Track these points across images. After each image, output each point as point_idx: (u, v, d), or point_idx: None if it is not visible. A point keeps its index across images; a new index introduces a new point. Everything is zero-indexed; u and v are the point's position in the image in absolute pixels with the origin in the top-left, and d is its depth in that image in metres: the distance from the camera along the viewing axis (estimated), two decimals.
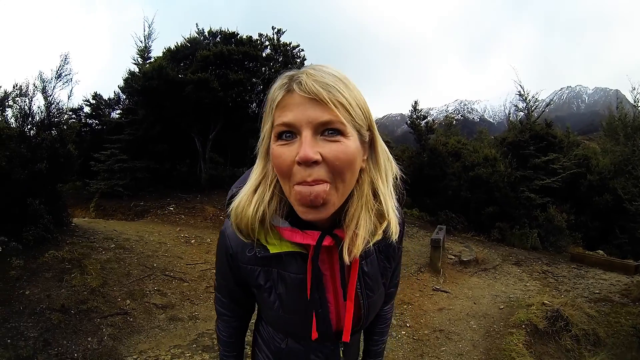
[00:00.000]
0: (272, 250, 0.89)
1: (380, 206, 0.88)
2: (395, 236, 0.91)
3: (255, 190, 0.87)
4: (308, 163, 0.74)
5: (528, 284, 6.11)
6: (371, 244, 0.87)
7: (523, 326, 4.23)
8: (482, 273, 6.63)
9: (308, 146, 0.74)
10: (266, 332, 1.16)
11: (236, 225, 0.89)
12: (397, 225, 0.92)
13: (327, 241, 0.87)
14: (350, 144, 0.78)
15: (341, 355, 1.10)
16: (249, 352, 1.30)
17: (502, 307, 5.04)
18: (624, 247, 9.23)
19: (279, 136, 0.79)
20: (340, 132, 0.77)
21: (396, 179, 0.94)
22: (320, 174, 0.76)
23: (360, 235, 0.84)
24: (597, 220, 10.15)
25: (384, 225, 0.89)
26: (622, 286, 5.76)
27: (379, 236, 0.88)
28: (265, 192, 0.87)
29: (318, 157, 0.74)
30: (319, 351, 1.08)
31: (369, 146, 0.88)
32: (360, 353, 1.36)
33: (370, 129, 0.86)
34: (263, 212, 0.86)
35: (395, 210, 0.91)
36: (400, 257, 1.17)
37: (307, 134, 0.75)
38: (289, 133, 0.78)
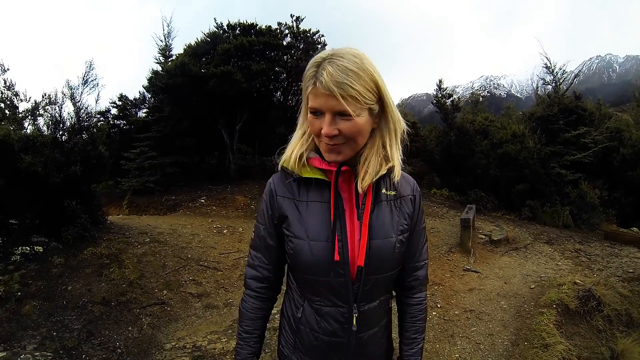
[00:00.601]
0: (305, 175, 1.15)
1: (387, 153, 1.15)
2: (397, 177, 1.17)
3: (302, 137, 1.19)
4: (329, 137, 1.03)
5: (560, 263, 6.01)
6: (379, 176, 1.12)
7: (554, 306, 4.17)
8: (512, 252, 6.57)
9: (328, 126, 1.03)
10: (288, 307, 1.29)
11: (286, 160, 1.17)
12: (400, 170, 1.17)
13: (344, 169, 1.13)
14: (360, 120, 1.04)
15: (354, 322, 1.15)
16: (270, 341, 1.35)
17: (533, 286, 4.99)
18: None
19: (312, 112, 1.07)
20: (352, 115, 1.02)
21: (403, 133, 1.18)
22: (339, 141, 1.06)
23: (369, 172, 1.11)
24: (631, 195, 9.70)
25: (389, 165, 1.14)
26: None
27: (383, 171, 1.13)
28: (306, 138, 1.18)
29: (336, 132, 1.03)
30: (331, 317, 1.16)
31: (381, 112, 1.11)
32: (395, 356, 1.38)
33: (381, 99, 1.09)
34: (305, 150, 1.17)
35: (400, 161, 1.18)
36: (421, 219, 1.31)
37: (328, 117, 1.03)
38: (317, 112, 1.05)
